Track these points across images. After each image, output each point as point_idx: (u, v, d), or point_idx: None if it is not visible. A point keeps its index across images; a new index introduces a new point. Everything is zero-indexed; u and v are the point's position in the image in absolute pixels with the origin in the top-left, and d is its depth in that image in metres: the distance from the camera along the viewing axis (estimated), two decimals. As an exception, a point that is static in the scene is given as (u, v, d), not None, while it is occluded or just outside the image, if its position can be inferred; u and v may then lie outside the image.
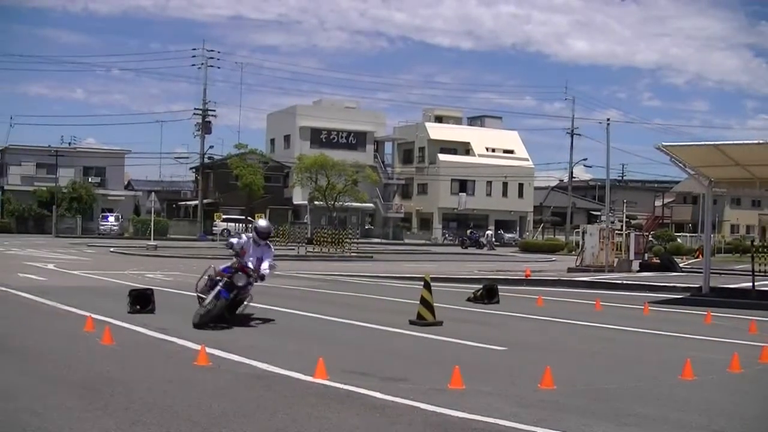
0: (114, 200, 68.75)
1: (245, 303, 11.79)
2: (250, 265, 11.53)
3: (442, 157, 74.67)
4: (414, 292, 13.22)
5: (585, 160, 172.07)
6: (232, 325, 11.17)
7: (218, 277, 11.28)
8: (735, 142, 18.62)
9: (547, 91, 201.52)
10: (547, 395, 7.21)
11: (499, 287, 16.83)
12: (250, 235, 12.33)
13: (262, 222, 12.52)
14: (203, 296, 11.40)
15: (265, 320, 12.05)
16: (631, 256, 31.20)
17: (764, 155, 17.59)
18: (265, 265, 11.72)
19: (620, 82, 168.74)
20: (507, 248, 59.89)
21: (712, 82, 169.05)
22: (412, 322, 12.01)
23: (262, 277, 11.68)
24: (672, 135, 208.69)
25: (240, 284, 11.28)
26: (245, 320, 11.73)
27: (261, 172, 66.06)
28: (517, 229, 76.35)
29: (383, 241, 66.12)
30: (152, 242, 41.51)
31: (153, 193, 48.55)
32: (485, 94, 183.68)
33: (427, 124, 77.37)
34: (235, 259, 11.59)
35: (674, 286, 20.60)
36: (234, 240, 12.04)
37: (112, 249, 39.89)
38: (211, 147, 72.12)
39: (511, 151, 78.14)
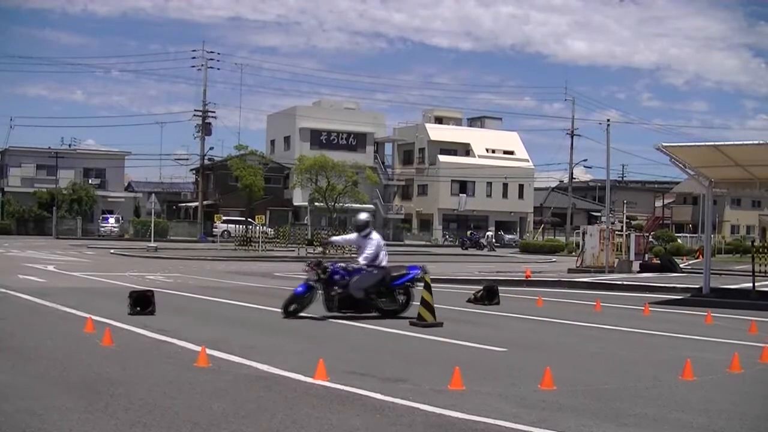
0: (114, 202, 68.82)
1: (402, 304, 13.00)
2: (361, 258, 12.74)
3: (442, 158, 74.70)
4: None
5: (585, 160, 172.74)
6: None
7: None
8: (735, 142, 18.61)
9: (546, 92, 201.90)
10: (548, 396, 7.21)
11: (499, 288, 16.83)
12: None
13: (360, 215, 13.56)
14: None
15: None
16: (632, 256, 31.21)
17: (764, 156, 17.59)
18: (360, 256, 12.82)
19: (619, 82, 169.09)
20: (507, 249, 59.91)
21: (711, 82, 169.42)
22: (412, 323, 12.00)
23: (359, 269, 12.64)
24: (671, 135, 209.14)
25: (311, 281, 12.58)
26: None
27: (261, 173, 66.12)
28: (517, 229, 76.37)
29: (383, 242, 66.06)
30: (152, 244, 41.58)
31: (153, 194, 48.65)
32: (485, 94, 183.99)
33: (427, 125, 77.41)
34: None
35: (674, 287, 20.59)
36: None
37: (112, 250, 39.91)
38: (211, 148, 72.34)
39: (511, 152, 78.16)
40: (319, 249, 14.61)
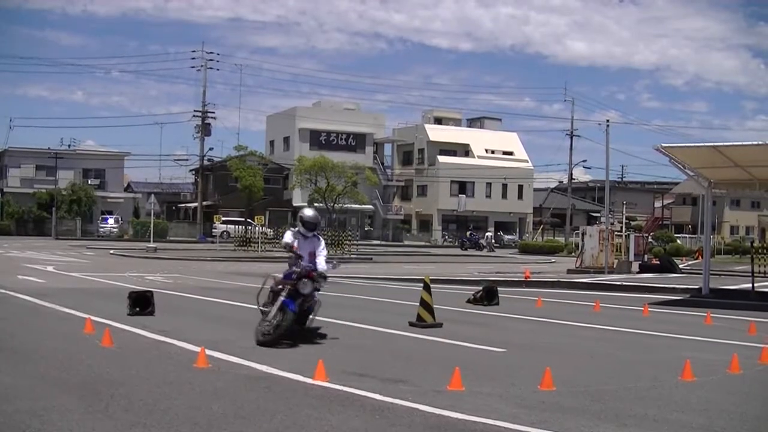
0: (113, 202, 68.78)
1: (312, 315, 10.51)
2: (303, 263, 10.24)
3: (441, 158, 74.69)
4: (413, 293, 13.22)
5: (584, 161, 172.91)
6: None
7: (280, 286, 10.00)
8: (734, 143, 18.62)
9: (546, 93, 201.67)
10: (547, 396, 7.22)
11: (498, 289, 16.84)
12: (296, 228, 10.87)
13: (309, 211, 11.01)
14: (266, 310, 10.08)
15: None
16: (631, 257, 31.22)
17: (763, 156, 17.60)
18: (321, 261, 10.41)
19: (619, 83, 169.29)
20: (506, 250, 59.89)
21: (710, 83, 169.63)
22: (411, 324, 12.01)
23: (324, 277, 10.39)
24: (671, 136, 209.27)
25: (306, 292, 9.99)
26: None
27: (260, 173, 66.15)
28: (517, 230, 76.36)
29: (383, 242, 66.11)
30: (152, 244, 41.56)
31: (152, 195, 48.65)
32: (484, 95, 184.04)
33: (427, 126, 77.40)
34: (300, 263, 10.21)
35: (674, 288, 20.60)
36: (289, 239, 10.55)
37: (111, 251, 39.90)
38: (211, 149, 72.37)
39: (511, 153, 78.17)
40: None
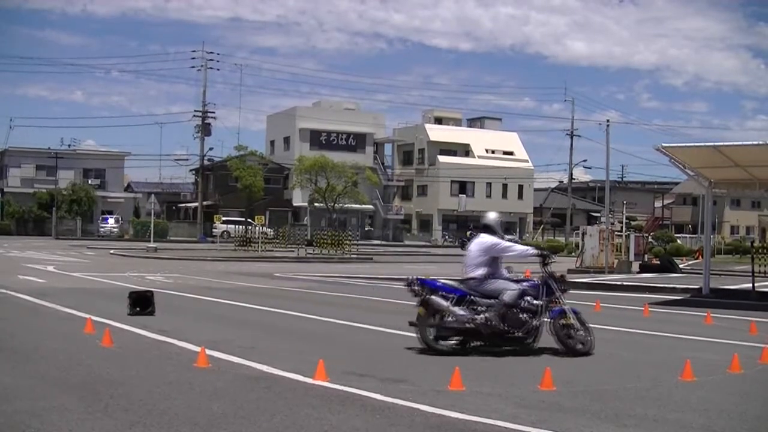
0: (114, 202, 68.82)
1: None
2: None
3: (441, 158, 74.70)
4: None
5: (584, 161, 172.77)
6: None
7: (536, 300, 9.93)
8: (734, 143, 18.64)
9: (546, 93, 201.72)
10: (547, 396, 7.21)
11: (499, 288, 16.80)
12: (494, 233, 11.05)
13: (494, 214, 11.23)
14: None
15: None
16: (631, 257, 31.24)
17: (763, 156, 17.60)
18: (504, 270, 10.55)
19: (619, 83, 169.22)
20: (507, 250, 59.80)
21: (710, 83, 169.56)
22: (411, 324, 11.96)
23: None
24: (671, 136, 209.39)
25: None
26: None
27: (261, 173, 66.17)
28: (517, 230, 76.32)
29: (383, 242, 66.13)
30: (152, 244, 41.57)
31: (153, 195, 48.65)
32: (484, 95, 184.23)
33: (427, 126, 77.40)
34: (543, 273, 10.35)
35: (674, 287, 20.60)
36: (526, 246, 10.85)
37: (112, 251, 39.92)
38: (211, 149, 72.25)
39: (511, 153, 78.17)
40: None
